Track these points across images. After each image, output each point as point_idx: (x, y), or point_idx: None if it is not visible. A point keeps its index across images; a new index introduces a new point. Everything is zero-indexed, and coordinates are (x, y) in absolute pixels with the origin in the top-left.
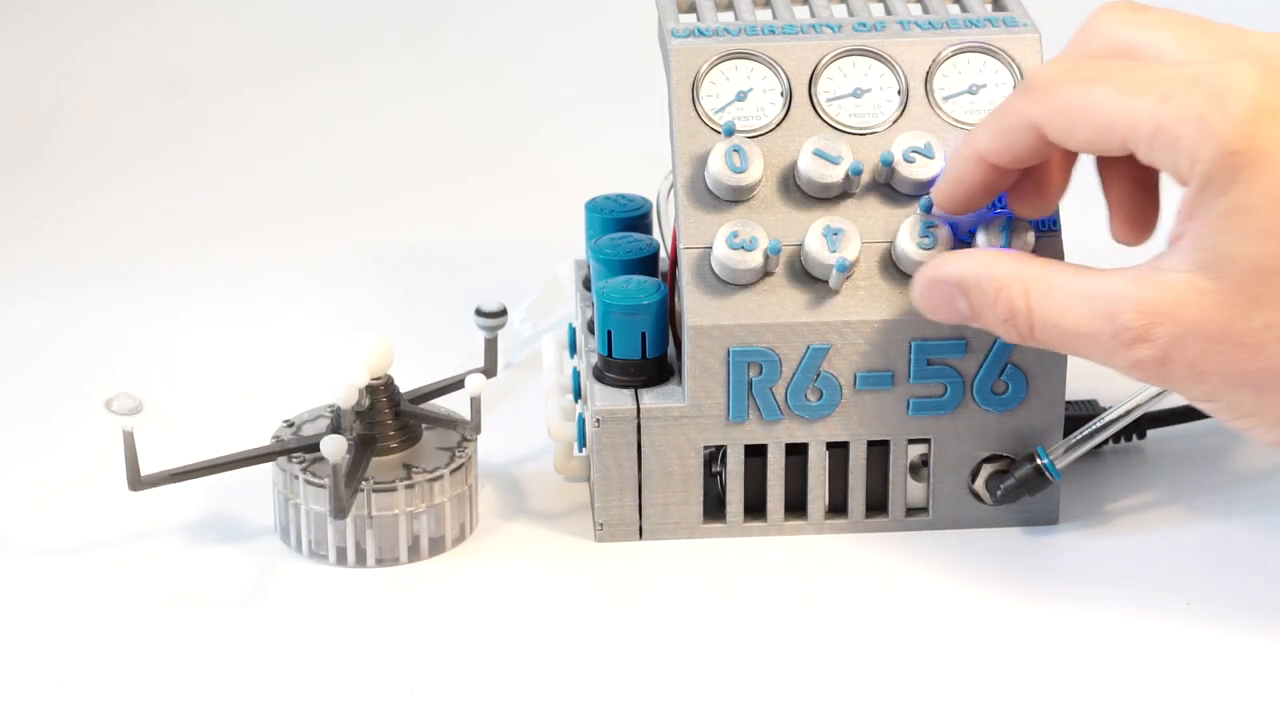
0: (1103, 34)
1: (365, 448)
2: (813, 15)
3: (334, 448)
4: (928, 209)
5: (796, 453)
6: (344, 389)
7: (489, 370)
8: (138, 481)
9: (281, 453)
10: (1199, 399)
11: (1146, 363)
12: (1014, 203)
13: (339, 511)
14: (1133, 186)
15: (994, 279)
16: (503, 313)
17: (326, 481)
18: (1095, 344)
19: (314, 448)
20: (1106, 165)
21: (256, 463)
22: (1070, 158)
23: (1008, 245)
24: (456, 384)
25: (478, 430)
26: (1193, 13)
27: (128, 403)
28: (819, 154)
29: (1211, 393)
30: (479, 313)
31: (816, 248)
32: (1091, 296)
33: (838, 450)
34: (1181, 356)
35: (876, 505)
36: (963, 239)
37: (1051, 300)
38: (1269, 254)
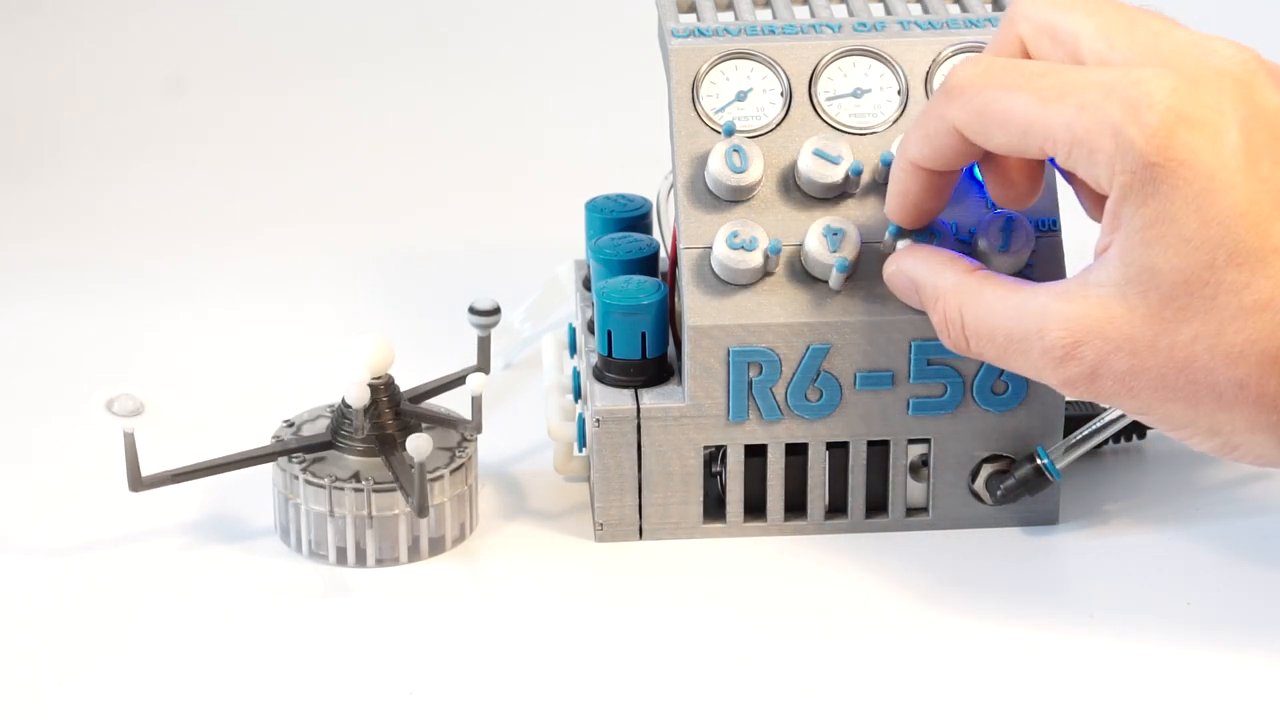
0: (1027, 17)
1: (387, 446)
2: (813, 15)
3: (420, 445)
4: (896, 234)
5: (796, 453)
6: (355, 387)
7: (482, 368)
8: (138, 482)
9: (282, 452)
10: (1134, 412)
11: (1076, 380)
12: (994, 197)
13: (422, 509)
14: None
15: (935, 288)
16: (496, 310)
17: (405, 482)
18: (1026, 360)
19: (314, 447)
20: None
21: (258, 463)
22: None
23: (1007, 247)
24: (456, 382)
25: (479, 429)
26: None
27: (128, 404)
28: (819, 154)
29: (1145, 407)
30: (473, 310)
31: (816, 248)
32: (1021, 314)
33: (838, 450)
34: (1110, 373)
35: (876, 505)
36: (963, 239)
37: (983, 316)
38: (1193, 265)
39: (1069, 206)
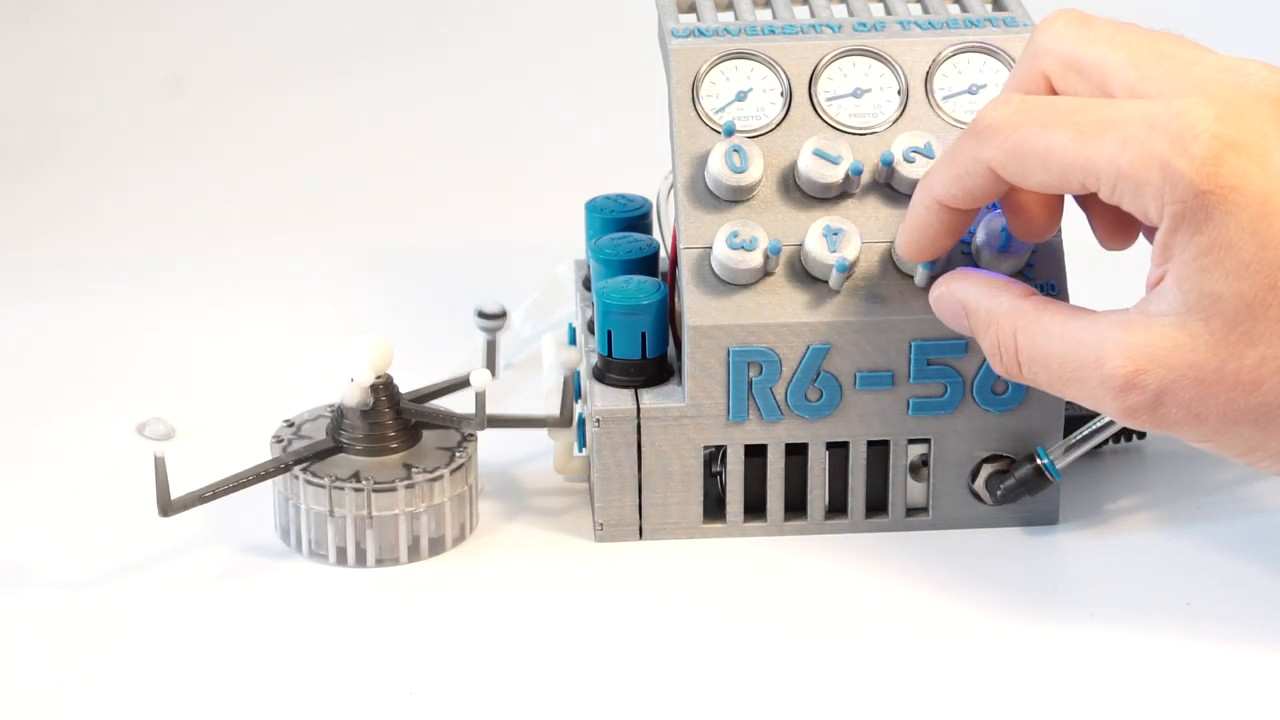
0: (1051, 52)
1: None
2: (813, 15)
3: (482, 379)
4: (931, 269)
5: (796, 453)
6: (354, 389)
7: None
8: (168, 506)
9: (297, 463)
10: (1198, 440)
11: (1138, 409)
12: (1013, 231)
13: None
14: (1107, 204)
15: (989, 312)
16: (503, 314)
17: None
18: (1083, 389)
19: (322, 454)
20: None
21: (279, 474)
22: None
23: (1006, 247)
24: (458, 385)
25: (483, 425)
26: (1141, 23)
27: (160, 428)
28: (819, 154)
29: (1211, 434)
30: (479, 314)
31: (816, 248)
32: (1079, 342)
33: (838, 450)
34: (1175, 401)
35: (876, 505)
36: (963, 240)
37: (1038, 343)
38: (1254, 288)
39: (1069, 208)
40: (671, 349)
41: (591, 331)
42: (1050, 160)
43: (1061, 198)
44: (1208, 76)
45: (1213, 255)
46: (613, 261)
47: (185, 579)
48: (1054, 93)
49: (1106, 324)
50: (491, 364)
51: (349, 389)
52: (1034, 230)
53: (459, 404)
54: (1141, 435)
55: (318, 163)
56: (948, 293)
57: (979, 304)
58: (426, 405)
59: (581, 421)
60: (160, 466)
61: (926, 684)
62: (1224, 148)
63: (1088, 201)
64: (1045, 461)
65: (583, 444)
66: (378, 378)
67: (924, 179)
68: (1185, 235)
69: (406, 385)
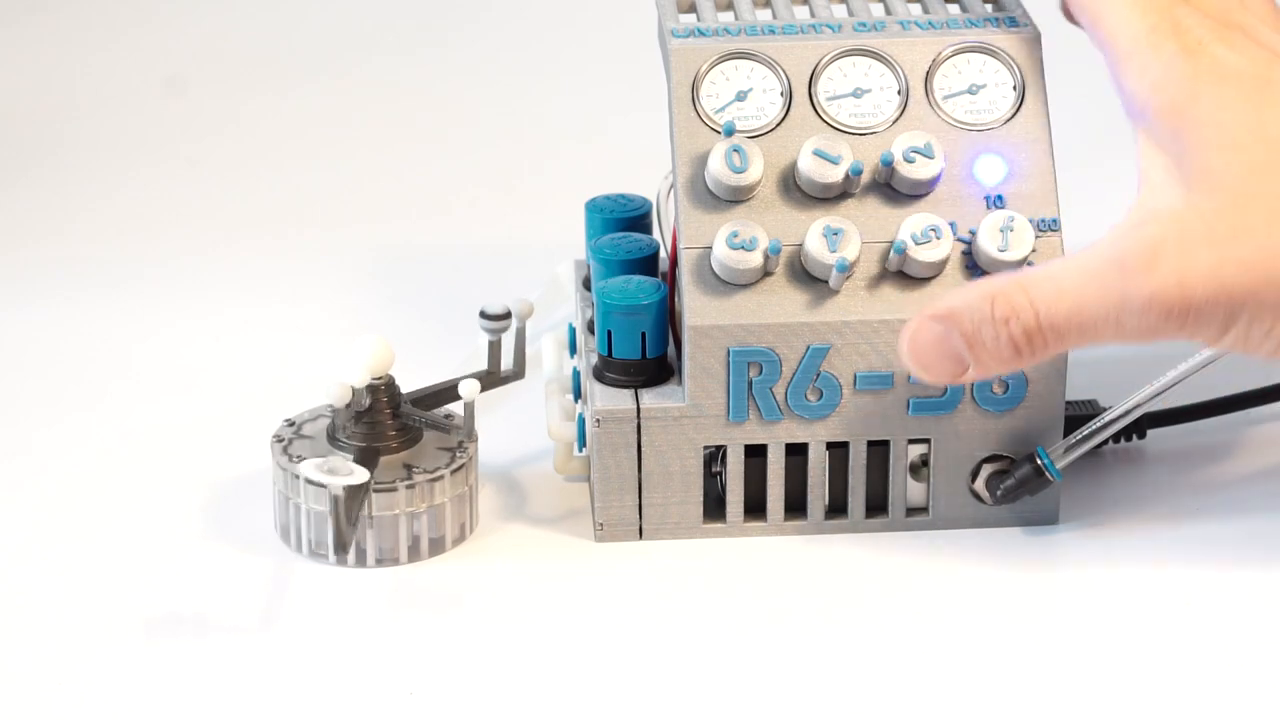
0: None
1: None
2: (813, 15)
3: (470, 389)
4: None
5: (796, 453)
6: (337, 386)
7: (493, 371)
8: (344, 545)
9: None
10: (1223, 321)
11: (1164, 291)
12: None
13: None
14: None
15: (985, 292)
16: (507, 315)
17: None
18: (1106, 304)
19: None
20: None
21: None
22: None
23: (1006, 247)
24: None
25: (470, 435)
26: None
27: (341, 466)
28: (819, 154)
29: (1237, 306)
30: (483, 315)
31: (816, 248)
32: (1089, 260)
33: (838, 450)
34: (1196, 272)
35: (876, 505)
36: (963, 239)
37: (1050, 284)
38: (1253, 155)
39: (1069, 207)
40: (671, 349)
41: (591, 331)
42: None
43: None
44: None
45: (1204, 131)
46: (613, 261)
47: (185, 579)
48: None
49: (1110, 237)
50: (495, 365)
51: (335, 388)
52: None
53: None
54: (1142, 435)
55: (318, 163)
56: (923, 320)
57: (969, 297)
58: (425, 410)
59: (581, 421)
60: (337, 505)
61: (926, 684)
62: (1214, 39)
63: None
64: (1045, 461)
65: (583, 444)
66: (379, 378)
67: None
68: (1179, 118)
69: (407, 385)
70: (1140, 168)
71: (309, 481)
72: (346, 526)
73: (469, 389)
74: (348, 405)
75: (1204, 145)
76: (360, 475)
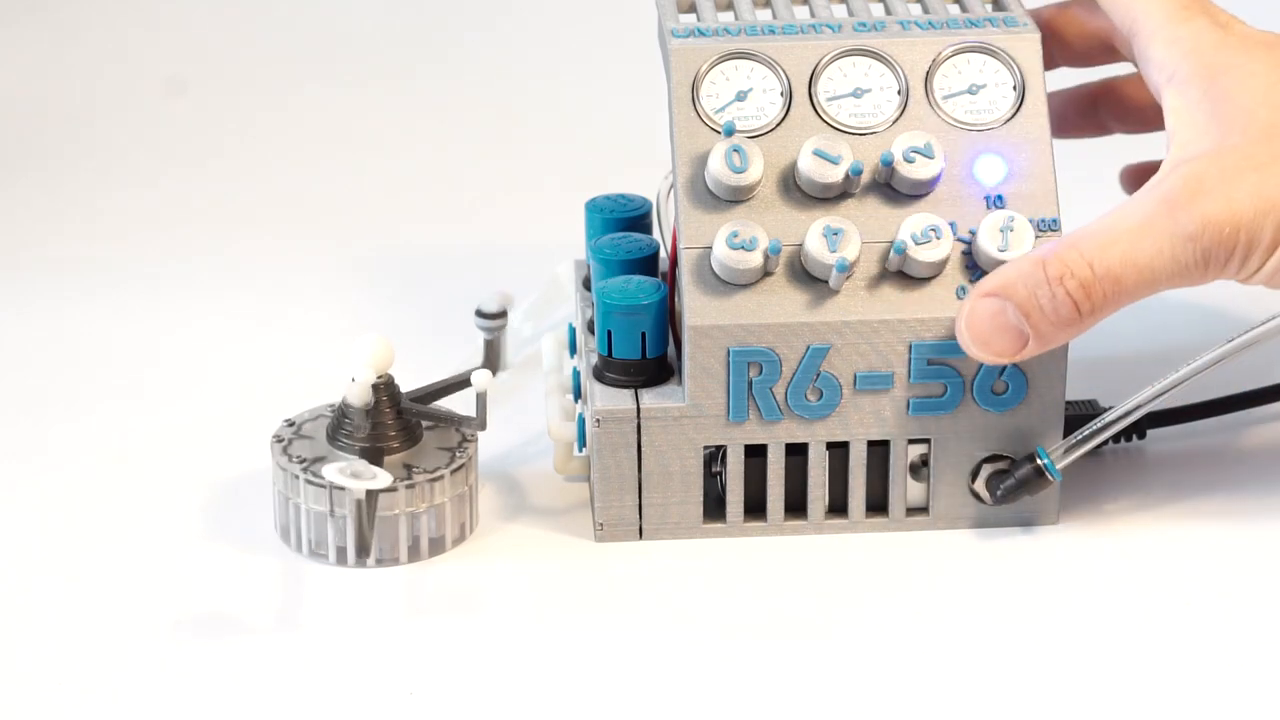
0: None
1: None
2: (813, 15)
3: (483, 379)
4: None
5: (796, 453)
6: (359, 387)
7: (490, 370)
8: (366, 548)
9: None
10: (1277, 231)
11: (1217, 215)
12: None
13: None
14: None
15: (1037, 261)
16: (503, 314)
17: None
18: (1159, 243)
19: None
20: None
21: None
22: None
23: (1006, 247)
24: (459, 384)
25: (483, 426)
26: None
27: (363, 469)
28: (819, 154)
29: None
30: (479, 314)
31: (816, 248)
32: (1134, 208)
33: (838, 450)
34: (1241, 189)
35: (876, 505)
36: (963, 239)
37: (1100, 236)
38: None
39: (1069, 207)
40: (671, 349)
41: (591, 331)
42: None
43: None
44: None
45: (1232, 76)
46: (613, 261)
47: (185, 579)
48: None
49: (1150, 184)
50: (493, 364)
51: (354, 388)
52: (1136, 120)
53: (460, 404)
54: (1142, 435)
55: (318, 163)
56: (978, 299)
57: (1021, 268)
58: (428, 406)
59: (581, 421)
60: (359, 510)
61: (926, 684)
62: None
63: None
64: (1045, 461)
65: (583, 444)
66: (379, 378)
67: None
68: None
69: (407, 385)
70: (1170, 127)
71: (334, 487)
72: (368, 529)
73: (481, 379)
74: (364, 404)
75: (1236, 94)
76: (384, 479)
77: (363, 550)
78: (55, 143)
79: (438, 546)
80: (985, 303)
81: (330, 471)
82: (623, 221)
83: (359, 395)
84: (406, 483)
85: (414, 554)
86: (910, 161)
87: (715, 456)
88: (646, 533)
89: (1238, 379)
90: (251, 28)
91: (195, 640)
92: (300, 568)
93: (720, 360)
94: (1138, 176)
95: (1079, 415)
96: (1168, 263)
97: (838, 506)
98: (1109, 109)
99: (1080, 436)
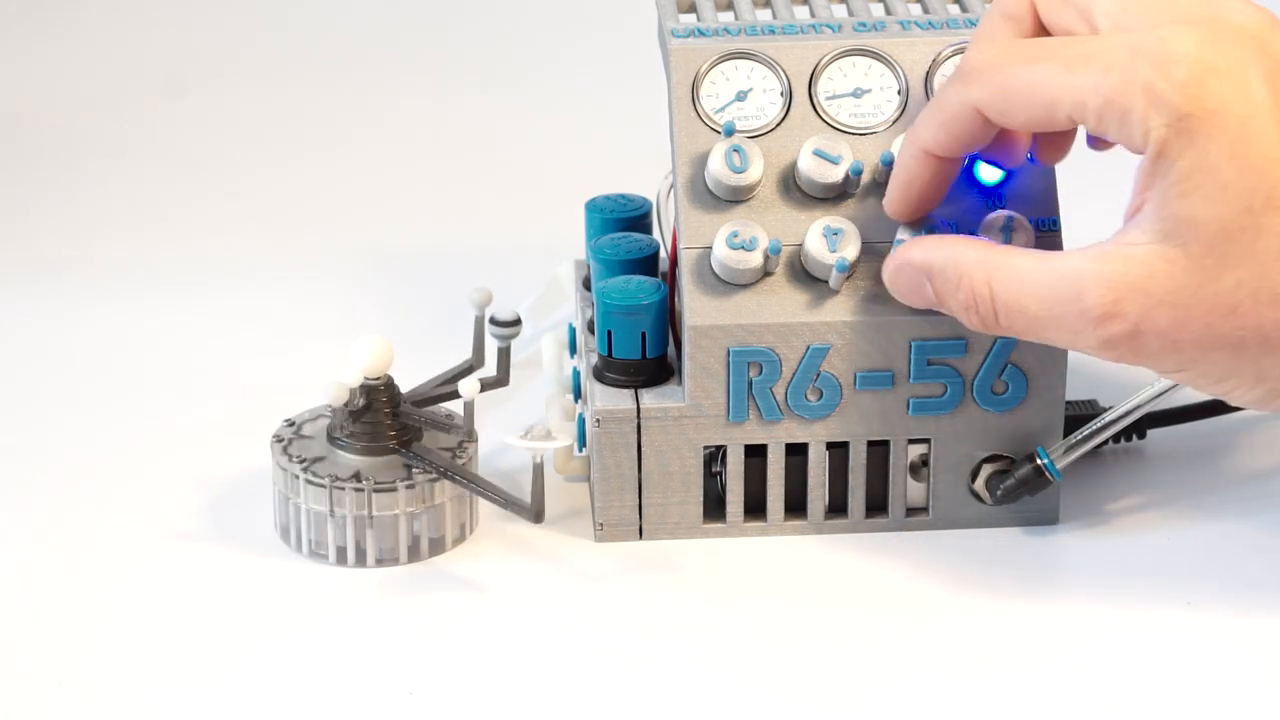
0: None
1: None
2: (813, 15)
3: (470, 388)
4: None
5: (796, 453)
6: (334, 386)
7: (501, 379)
8: (541, 513)
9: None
10: (1171, 370)
11: (1118, 340)
12: (1007, 162)
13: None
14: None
15: (956, 265)
16: (517, 321)
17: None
18: (1061, 326)
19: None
20: None
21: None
22: None
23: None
24: (453, 394)
25: (470, 434)
26: None
27: (540, 432)
28: (819, 154)
29: (1186, 361)
30: (493, 321)
31: (816, 248)
32: (1055, 279)
33: (838, 450)
34: (1153, 329)
35: (876, 505)
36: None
37: (1014, 286)
38: (1231, 212)
39: (1069, 206)
40: (671, 349)
41: (591, 331)
42: (1035, 95)
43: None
44: (1190, 9)
45: (1193, 180)
46: (613, 261)
47: (185, 579)
48: (1040, 25)
49: (1082, 259)
50: (505, 371)
51: (329, 387)
52: (1011, 157)
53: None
54: (1141, 435)
55: (317, 162)
56: (905, 263)
57: (945, 262)
58: (425, 409)
59: (581, 421)
60: (539, 474)
61: (927, 684)
62: (1205, 72)
63: (1102, 135)
64: (1045, 461)
65: (583, 444)
66: (378, 378)
67: (910, 131)
68: (1168, 161)
69: (407, 385)
70: (1140, 177)
71: (515, 446)
72: (540, 494)
73: (469, 388)
74: (345, 405)
75: (1193, 189)
76: (564, 438)
77: (538, 515)
78: (55, 142)
79: (438, 546)
80: (909, 271)
81: (511, 438)
82: (623, 221)
83: (335, 395)
84: (406, 483)
85: (414, 554)
86: None
87: (715, 456)
88: (646, 533)
89: None
90: (250, 28)
91: (195, 640)
92: (300, 568)
93: (720, 360)
94: None
95: (1079, 415)
96: (1066, 346)
97: (838, 506)
98: None
99: (1080, 436)
